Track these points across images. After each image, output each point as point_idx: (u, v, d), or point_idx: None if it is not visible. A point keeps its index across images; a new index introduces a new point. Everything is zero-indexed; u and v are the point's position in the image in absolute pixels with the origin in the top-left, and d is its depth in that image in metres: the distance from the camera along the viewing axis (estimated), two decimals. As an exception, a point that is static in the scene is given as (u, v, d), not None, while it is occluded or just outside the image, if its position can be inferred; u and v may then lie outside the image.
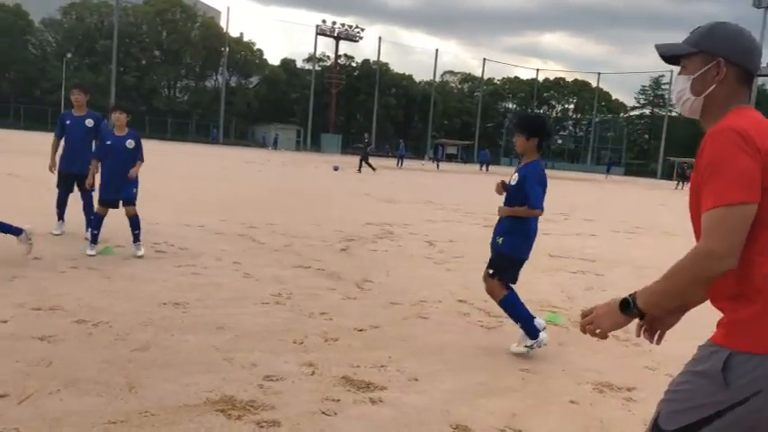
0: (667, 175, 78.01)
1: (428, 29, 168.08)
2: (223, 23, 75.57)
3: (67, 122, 8.13)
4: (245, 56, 77.77)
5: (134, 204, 7.33)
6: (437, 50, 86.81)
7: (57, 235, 8.05)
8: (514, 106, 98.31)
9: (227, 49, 72.43)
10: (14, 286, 5.60)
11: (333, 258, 8.10)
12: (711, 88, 1.96)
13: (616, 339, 5.48)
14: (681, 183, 48.32)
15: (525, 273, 8.00)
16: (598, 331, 1.97)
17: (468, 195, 21.85)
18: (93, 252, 7.12)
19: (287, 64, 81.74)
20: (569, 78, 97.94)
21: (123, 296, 5.55)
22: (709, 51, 1.96)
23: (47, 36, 71.50)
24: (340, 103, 78.41)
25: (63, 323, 4.68)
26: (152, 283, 6.11)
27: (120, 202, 7.34)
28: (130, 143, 7.38)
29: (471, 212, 15.27)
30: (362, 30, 77.91)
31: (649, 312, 1.92)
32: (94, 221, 7.32)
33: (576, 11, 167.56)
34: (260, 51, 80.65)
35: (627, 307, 1.91)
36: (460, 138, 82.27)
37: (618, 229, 14.39)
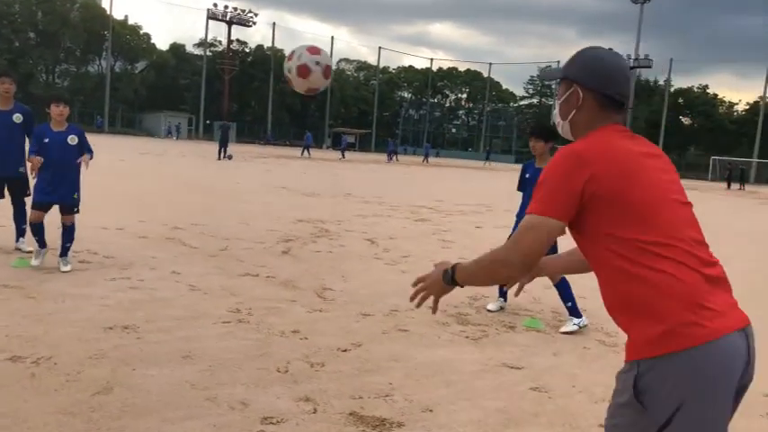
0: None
1: (318, 15, 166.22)
2: (106, 5, 71.13)
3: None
4: (130, 40, 73.61)
5: (73, 212, 6.40)
6: (332, 38, 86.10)
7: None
8: (410, 95, 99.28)
9: (111, 32, 68.27)
10: None
11: (278, 263, 7.47)
12: (572, 113, 2.02)
13: (604, 345, 5.26)
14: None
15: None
16: (431, 298, 2.11)
17: (384, 187, 21.55)
18: (37, 262, 6.30)
19: (176, 49, 78.26)
20: (462, 68, 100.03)
21: (58, 321, 4.72)
22: (569, 78, 2.01)
23: None
24: (233, 91, 75.90)
25: (-6, 362, 3.86)
26: (86, 301, 5.28)
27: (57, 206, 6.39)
28: (73, 139, 6.37)
29: (396, 206, 14.92)
30: (256, 15, 75.74)
31: (463, 285, 2.02)
32: (32, 229, 6.34)
33: (463, 2, 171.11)
34: (147, 35, 76.71)
35: (447, 277, 2.02)
36: (358, 126, 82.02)
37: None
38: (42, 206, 6.31)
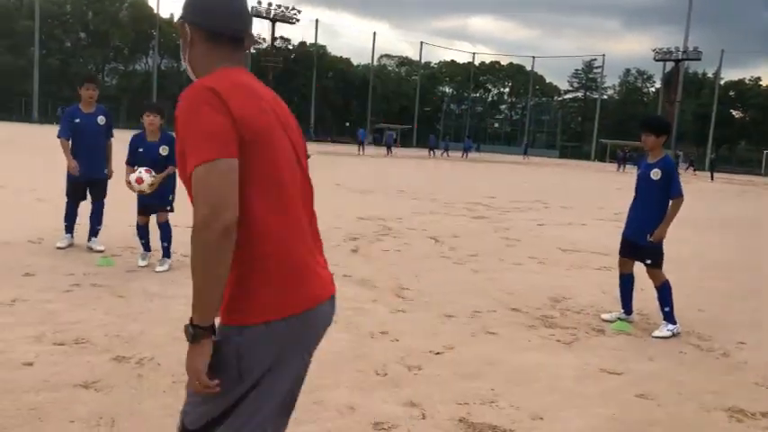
0: (600, 157, 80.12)
1: (357, 11, 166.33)
2: (153, 4, 72.50)
3: (76, 120, 6.83)
4: (176, 38, 74.72)
5: (167, 210, 6.56)
6: (374, 33, 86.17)
7: (61, 248, 6.89)
8: (452, 90, 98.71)
9: (158, 30, 69.48)
10: (18, 312, 4.73)
11: (350, 262, 7.44)
12: (187, 52, 1.92)
13: (700, 350, 5.08)
14: (622, 165, 49.40)
15: (552, 273, 7.67)
16: (204, 384, 1.70)
17: (434, 183, 21.43)
18: (144, 263, 6.46)
19: (221, 47, 79.12)
20: (504, 62, 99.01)
21: (152, 320, 4.76)
22: (181, 17, 1.92)
23: (-40, 16, 66.73)
24: (276, 88, 76.48)
25: (100, 362, 3.89)
26: (174, 300, 5.33)
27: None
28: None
29: (450, 202, 14.81)
30: (299, 11, 76.17)
31: (211, 321, 1.71)
32: (139, 232, 6.54)
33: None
34: (192, 33, 77.78)
35: (194, 336, 1.70)
36: (399, 122, 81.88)
37: (601, 217, 14.20)
38: (148, 210, 6.48)
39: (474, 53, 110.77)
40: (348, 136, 79.88)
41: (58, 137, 6.84)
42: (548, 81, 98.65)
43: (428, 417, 3.50)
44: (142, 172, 6.02)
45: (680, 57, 76.96)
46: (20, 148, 24.04)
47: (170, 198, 6.52)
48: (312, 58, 78.03)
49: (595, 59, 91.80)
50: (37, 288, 5.37)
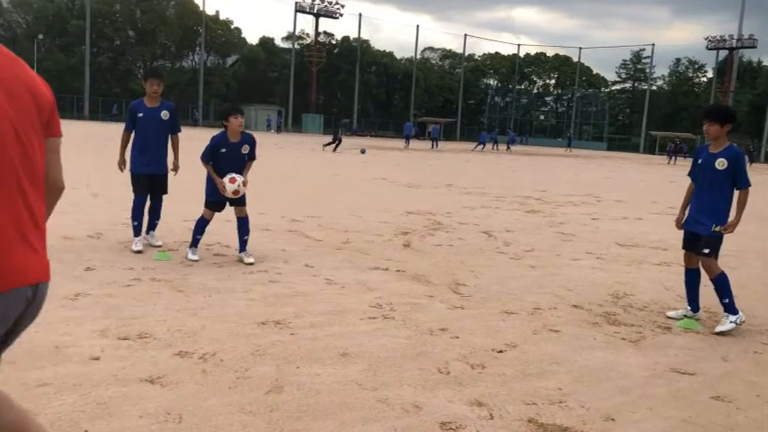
0: (650, 149, 78.28)
1: (399, 4, 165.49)
2: (198, 1, 73.43)
3: (139, 115, 6.76)
4: (222, 35, 75.77)
5: (244, 204, 6.65)
6: (417, 26, 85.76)
7: (139, 252, 6.65)
8: (496, 82, 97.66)
9: (204, 27, 70.44)
10: (82, 306, 4.79)
11: (403, 256, 7.37)
12: None
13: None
14: (673, 157, 48.10)
15: (612, 269, 7.46)
16: None
17: (482, 177, 21.18)
18: (195, 257, 6.50)
19: (266, 43, 79.89)
20: (549, 53, 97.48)
21: (212, 315, 4.77)
22: None
23: (16, 17, 68.83)
24: (320, 82, 76.94)
25: (164, 357, 3.90)
26: (232, 295, 5.33)
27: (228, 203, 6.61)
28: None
29: (500, 196, 14.60)
30: (343, 6, 76.21)
31: None
32: (200, 226, 6.55)
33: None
34: (238, 30, 78.79)
35: None
36: (442, 115, 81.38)
37: (656, 211, 13.83)
38: (218, 205, 6.54)
39: (519, 44, 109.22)
40: (391, 130, 79.87)
41: (125, 129, 6.88)
42: (595, 72, 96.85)
43: (496, 417, 3.41)
44: (234, 174, 6.30)
45: (734, 45, 74.63)
46: (74, 145, 24.66)
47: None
48: (355, 53, 78.10)
49: (644, 49, 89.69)
50: (98, 282, 5.45)
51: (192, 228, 6.66)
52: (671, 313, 5.60)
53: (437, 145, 46.04)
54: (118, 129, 8.18)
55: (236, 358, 3.97)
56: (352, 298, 5.49)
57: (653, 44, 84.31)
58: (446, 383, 3.81)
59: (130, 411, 3.18)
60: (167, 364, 3.80)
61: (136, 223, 6.76)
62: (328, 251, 7.39)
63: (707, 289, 5.61)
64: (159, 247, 6.85)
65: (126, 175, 7.03)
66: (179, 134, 7.04)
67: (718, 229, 5.21)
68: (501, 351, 4.43)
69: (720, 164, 5.20)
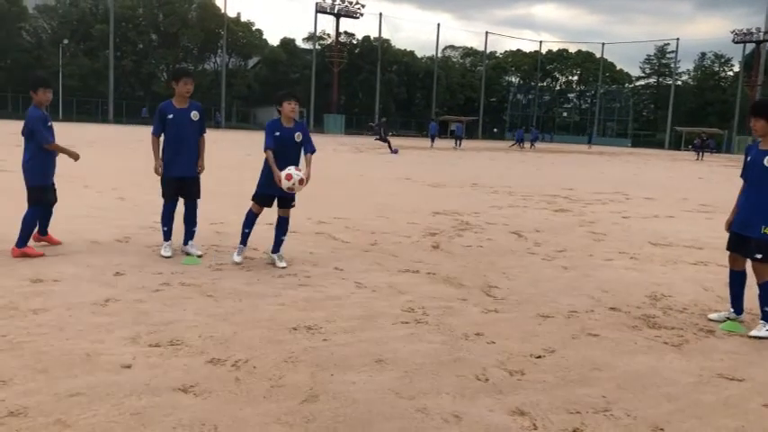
0: (675, 145, 77.16)
1: (418, 3, 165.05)
2: (220, 4, 73.89)
3: (169, 116, 6.49)
4: (243, 36, 76.10)
5: (290, 206, 6.69)
6: (438, 25, 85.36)
7: (167, 257, 6.49)
8: (518, 80, 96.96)
9: (226, 30, 70.80)
10: (112, 312, 4.75)
11: (432, 258, 7.25)
12: None
13: (827, 354, 4.66)
14: (701, 153, 47.30)
15: (647, 269, 7.27)
16: None
17: (507, 175, 20.96)
18: (239, 259, 6.52)
19: (287, 44, 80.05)
20: (572, 50, 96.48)
21: (243, 321, 4.70)
22: None
23: (41, 23, 69.72)
24: (341, 82, 76.96)
25: (196, 365, 3.83)
26: (262, 300, 5.26)
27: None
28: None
29: (528, 195, 14.41)
30: (363, 6, 76.13)
31: None
32: (249, 222, 6.56)
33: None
34: (259, 31, 79.05)
35: None
36: (464, 113, 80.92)
37: (687, 208, 13.54)
38: (268, 200, 6.50)
39: (541, 41, 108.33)
40: (413, 129, 79.64)
41: (153, 133, 6.59)
42: (618, 68, 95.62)
43: (540, 427, 3.28)
44: (292, 169, 6.16)
45: (761, 37, 73.27)
46: (101, 148, 24.86)
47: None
48: (376, 52, 77.97)
49: (668, 44, 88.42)
50: (128, 287, 5.41)
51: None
52: (713, 315, 5.42)
53: (460, 144, 45.70)
54: (147, 131, 8.11)
55: (269, 365, 3.88)
56: (384, 302, 5.39)
57: (677, 38, 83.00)
58: (485, 391, 3.69)
59: (165, 422, 3.11)
60: (200, 372, 3.73)
61: (166, 228, 6.60)
62: (356, 253, 7.30)
63: (753, 290, 5.42)
64: (200, 256, 6.59)
65: (153, 179, 6.97)
66: (204, 135, 6.82)
67: (767, 231, 4.99)
68: (539, 356, 4.30)
69: None
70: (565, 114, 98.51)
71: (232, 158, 21.46)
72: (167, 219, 6.60)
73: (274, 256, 6.52)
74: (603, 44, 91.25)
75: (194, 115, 6.59)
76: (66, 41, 67.83)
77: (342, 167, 21.08)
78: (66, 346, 4.02)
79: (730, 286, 5.39)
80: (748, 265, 5.24)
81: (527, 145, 53.68)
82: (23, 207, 6.44)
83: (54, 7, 68.79)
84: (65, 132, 34.14)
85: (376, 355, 4.15)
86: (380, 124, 34.48)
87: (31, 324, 4.40)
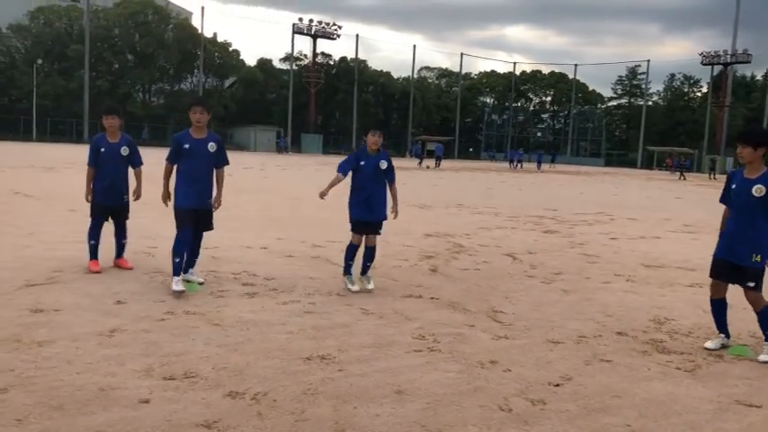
0: (647, 164, 78.45)
1: (392, 25, 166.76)
2: (197, 24, 73.76)
3: (186, 146, 6.23)
4: (220, 57, 75.93)
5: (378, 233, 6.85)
6: (414, 46, 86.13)
7: (180, 291, 6.04)
8: (492, 100, 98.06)
9: (203, 50, 70.63)
10: (120, 343, 4.63)
11: (432, 282, 7.23)
12: None
13: (836, 377, 4.71)
14: (681, 174, 48.04)
15: (645, 292, 7.31)
16: None
17: (490, 196, 21.08)
18: (356, 288, 6.59)
19: (263, 64, 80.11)
20: (545, 71, 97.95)
21: (254, 350, 4.61)
22: None
23: (14, 42, 68.87)
24: (318, 103, 77.10)
25: (215, 399, 3.75)
26: (270, 328, 5.18)
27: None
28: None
29: (513, 216, 14.49)
30: (340, 27, 76.64)
31: None
32: (348, 252, 6.77)
33: (537, 3, 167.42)
34: (236, 52, 78.96)
35: None
36: (440, 133, 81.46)
37: (671, 228, 13.72)
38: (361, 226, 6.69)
39: (515, 63, 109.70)
40: (390, 149, 79.90)
41: (166, 160, 6.35)
42: (590, 88, 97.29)
43: (571, 459, 3.25)
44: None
45: (728, 60, 75.12)
46: (81, 170, 24.47)
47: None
48: (353, 73, 78.34)
49: (639, 65, 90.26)
50: (132, 317, 5.29)
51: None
52: (709, 344, 5.33)
53: (440, 164, 45.93)
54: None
55: (289, 398, 3.81)
56: (393, 329, 5.34)
57: (648, 60, 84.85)
58: (510, 422, 3.66)
59: (193, 461, 3.02)
60: (220, 407, 3.64)
61: (177, 260, 6.16)
62: (357, 278, 7.24)
63: (748, 312, 5.46)
64: (201, 284, 6.45)
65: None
66: (224, 167, 6.65)
67: (758, 259, 4.99)
68: (558, 384, 4.28)
69: (758, 190, 4.96)
70: (539, 134, 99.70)
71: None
72: (179, 250, 6.19)
73: (363, 278, 6.80)
74: (576, 65, 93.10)
75: (211, 146, 6.35)
76: (40, 61, 67.12)
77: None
78: (78, 381, 3.91)
79: (714, 314, 5.33)
80: (732, 291, 5.28)
81: (525, 166, 54.14)
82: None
83: (28, 27, 68.04)
84: (39, 153, 33.66)
85: (395, 385, 4.10)
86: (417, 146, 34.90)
87: (38, 357, 4.27)
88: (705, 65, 78.11)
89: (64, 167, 24.44)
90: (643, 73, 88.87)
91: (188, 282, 6.45)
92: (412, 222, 12.48)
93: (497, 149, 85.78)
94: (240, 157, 46.21)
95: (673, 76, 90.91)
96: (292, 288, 6.55)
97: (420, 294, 6.61)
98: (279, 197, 17.06)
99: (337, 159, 32.41)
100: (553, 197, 21.94)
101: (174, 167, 6.39)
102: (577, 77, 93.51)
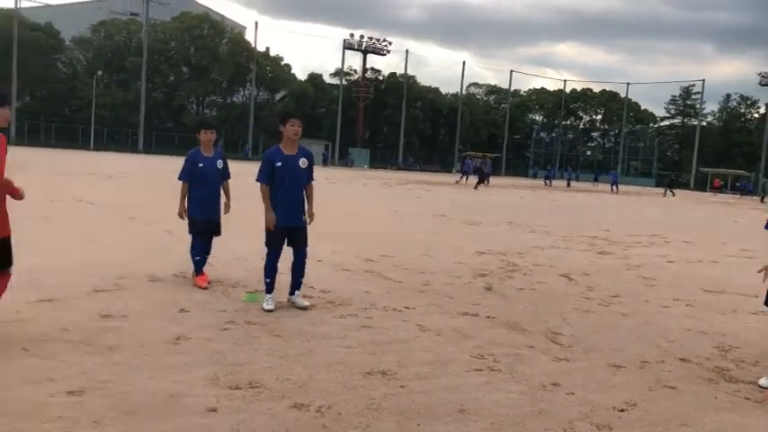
0: (701, 186, 76.45)
1: (441, 41, 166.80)
2: (250, 38, 75.33)
3: (278, 164, 6.08)
4: (272, 71, 77.30)
5: None
6: (464, 63, 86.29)
7: (270, 311, 6.05)
8: (541, 118, 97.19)
9: (256, 64, 72.01)
10: (185, 351, 4.75)
11: (488, 301, 7.18)
12: None
13: None
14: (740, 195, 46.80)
15: (706, 318, 7.12)
16: None
17: (541, 214, 20.86)
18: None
19: (314, 78, 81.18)
20: (596, 89, 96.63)
21: (315, 364, 4.66)
22: None
23: (77, 54, 71.52)
24: (366, 117, 77.69)
25: (281, 410, 3.80)
26: (329, 342, 5.23)
27: None
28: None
29: (566, 236, 14.29)
30: (390, 43, 77.28)
31: None
32: None
33: (584, 20, 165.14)
34: (288, 66, 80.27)
35: None
36: (488, 150, 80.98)
37: (730, 253, 13.34)
38: None
39: (565, 80, 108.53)
40: (437, 164, 79.91)
41: (258, 180, 6.17)
42: (643, 108, 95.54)
43: (642, 488, 3.19)
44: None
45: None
46: (138, 179, 25.19)
47: None
48: (401, 88, 78.74)
49: (693, 85, 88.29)
50: (195, 325, 5.41)
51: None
52: (763, 382, 5.10)
53: (488, 181, 45.50)
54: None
55: (352, 412, 3.84)
56: (451, 347, 5.33)
57: (703, 80, 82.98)
58: (576, 446, 3.61)
59: (263, 471, 3.07)
60: (286, 418, 3.69)
61: (269, 280, 6.17)
62: (411, 294, 7.25)
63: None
64: (306, 308, 6.22)
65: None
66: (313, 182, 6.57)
67: None
68: (623, 410, 4.20)
69: None
70: (588, 153, 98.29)
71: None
72: (271, 270, 6.17)
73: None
74: (628, 84, 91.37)
75: (303, 162, 6.23)
76: (99, 73, 69.49)
77: (375, 203, 21.15)
78: (148, 386, 4.01)
79: None
80: None
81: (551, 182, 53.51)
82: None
83: (89, 39, 70.56)
84: (97, 161, 34.70)
85: (457, 404, 4.08)
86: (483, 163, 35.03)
87: (109, 362, 4.41)
88: (764, 85, 76.00)
89: (121, 177, 25.17)
90: (697, 92, 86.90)
91: (252, 293, 6.56)
92: (462, 239, 12.44)
93: (542, 167, 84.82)
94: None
95: (728, 96, 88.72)
96: (349, 302, 6.60)
97: (476, 312, 6.58)
98: (331, 211, 17.21)
99: (384, 174, 32.75)
100: (605, 218, 21.59)
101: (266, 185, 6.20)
102: (629, 96, 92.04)
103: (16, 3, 63.21)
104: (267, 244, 6.21)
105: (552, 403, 4.23)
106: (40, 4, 68.45)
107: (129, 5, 69.91)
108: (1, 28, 62.37)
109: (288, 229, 6.17)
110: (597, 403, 4.28)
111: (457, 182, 43.77)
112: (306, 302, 6.31)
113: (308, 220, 6.34)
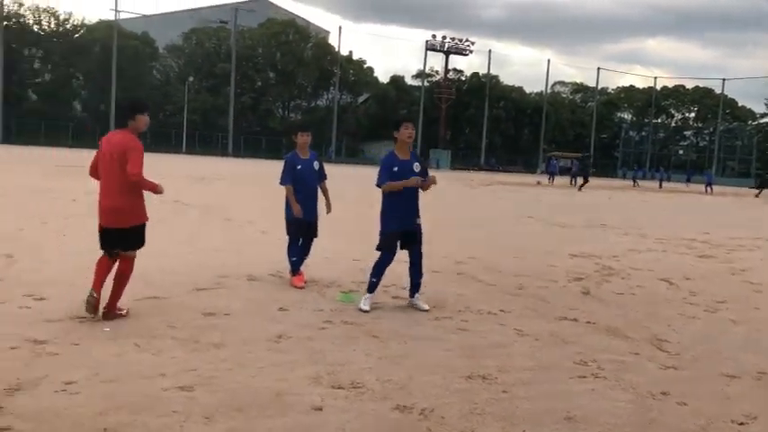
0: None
1: (524, 40, 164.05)
2: (334, 42, 76.51)
3: (395, 169, 6.15)
4: (355, 74, 78.26)
5: None
6: (549, 61, 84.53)
7: (366, 311, 6.07)
8: (630, 116, 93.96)
9: (340, 68, 73.07)
10: (287, 349, 4.83)
11: (586, 306, 6.96)
12: None
13: None
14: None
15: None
16: None
17: (636, 216, 20.13)
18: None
19: (396, 81, 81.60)
20: (689, 85, 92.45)
21: (414, 366, 4.64)
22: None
23: (170, 62, 74.76)
24: (448, 118, 77.37)
25: (384, 411, 3.79)
26: (426, 343, 5.20)
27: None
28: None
29: (663, 239, 13.71)
30: (473, 43, 76.68)
31: None
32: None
33: (676, 15, 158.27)
34: (370, 69, 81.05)
35: None
36: (575, 150, 78.96)
37: None
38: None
39: (655, 77, 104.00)
40: (520, 165, 78.68)
41: (378, 185, 6.27)
42: (740, 104, 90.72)
43: (771, 508, 2.99)
44: None
45: None
46: (230, 182, 26.01)
47: None
48: (484, 88, 77.98)
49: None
50: (294, 324, 5.50)
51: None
52: None
53: (575, 181, 44.29)
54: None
55: (456, 416, 3.79)
56: (551, 352, 5.19)
57: (809, 73, 77.78)
58: (694, 460, 3.42)
59: (372, 472, 3.07)
60: (390, 420, 3.68)
61: (374, 280, 6.25)
62: (505, 297, 7.13)
63: None
64: (427, 311, 6.23)
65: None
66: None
67: None
68: (742, 423, 3.96)
69: None
70: (681, 152, 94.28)
71: (351, 192, 21.87)
72: (380, 273, 6.29)
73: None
74: (724, 80, 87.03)
75: (416, 167, 6.26)
76: (191, 79, 72.34)
77: (458, 204, 20.99)
78: (254, 384, 4.10)
79: None
80: None
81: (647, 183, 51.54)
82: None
83: (182, 47, 73.62)
84: (189, 164, 36.12)
85: (563, 411, 3.96)
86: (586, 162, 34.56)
87: (215, 359, 4.53)
88: None
89: (214, 178, 26.07)
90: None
91: (347, 293, 6.64)
92: (553, 241, 12.17)
93: (630, 168, 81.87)
94: (374, 171, 47.27)
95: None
96: (443, 304, 6.55)
97: (575, 318, 6.39)
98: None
99: (467, 176, 32.62)
100: (703, 220, 20.62)
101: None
102: (725, 92, 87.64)
103: (116, 14, 66.75)
104: (380, 248, 6.28)
105: (663, 413, 4.04)
106: (137, 15, 72.00)
107: (219, 13, 72.50)
108: (102, 38, 65.97)
109: (403, 233, 6.29)
110: (712, 415, 4.06)
111: (539, 182, 42.91)
112: (426, 306, 6.33)
113: (419, 222, 6.42)
